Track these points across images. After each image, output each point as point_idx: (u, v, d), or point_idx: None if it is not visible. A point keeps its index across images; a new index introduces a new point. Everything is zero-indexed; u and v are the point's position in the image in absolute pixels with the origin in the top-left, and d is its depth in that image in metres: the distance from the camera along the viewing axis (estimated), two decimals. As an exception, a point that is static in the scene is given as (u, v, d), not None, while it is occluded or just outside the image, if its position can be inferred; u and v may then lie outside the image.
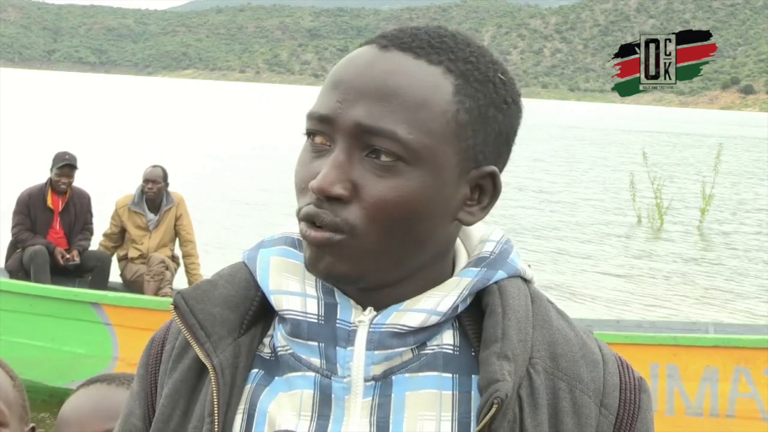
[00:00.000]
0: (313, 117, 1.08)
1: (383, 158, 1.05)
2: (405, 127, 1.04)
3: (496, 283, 1.12)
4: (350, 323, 1.09)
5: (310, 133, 1.09)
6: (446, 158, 1.07)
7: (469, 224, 1.12)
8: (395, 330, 1.08)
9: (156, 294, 8.15)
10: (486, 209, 1.12)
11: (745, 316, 11.31)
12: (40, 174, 8.99)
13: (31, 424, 1.85)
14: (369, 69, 1.07)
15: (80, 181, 8.80)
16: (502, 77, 1.11)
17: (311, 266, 1.09)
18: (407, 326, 1.08)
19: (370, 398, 1.08)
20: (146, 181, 8.62)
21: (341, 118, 1.06)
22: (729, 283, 13.55)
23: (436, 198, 1.07)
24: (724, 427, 6.06)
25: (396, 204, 1.05)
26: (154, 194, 8.60)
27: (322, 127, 1.08)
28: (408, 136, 1.04)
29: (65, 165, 8.45)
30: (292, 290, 1.11)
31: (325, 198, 1.05)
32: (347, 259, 1.06)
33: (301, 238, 1.14)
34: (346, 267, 1.07)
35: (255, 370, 1.12)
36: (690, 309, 11.53)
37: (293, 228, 1.17)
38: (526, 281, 1.15)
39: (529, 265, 1.17)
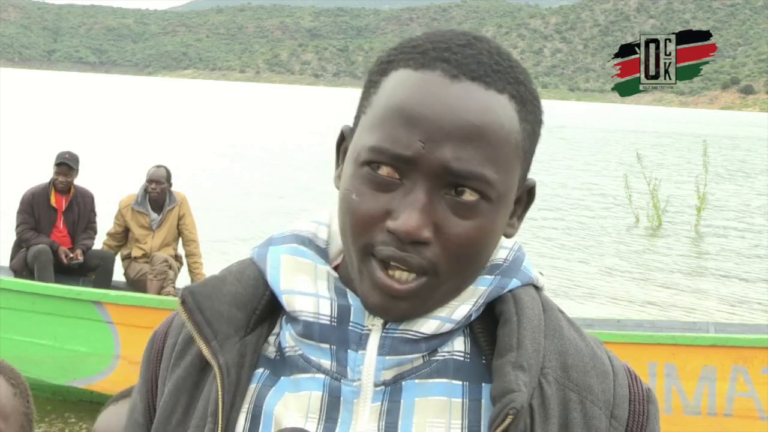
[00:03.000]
0: (386, 154, 1.02)
1: (467, 198, 1.02)
2: (492, 168, 1.02)
3: (510, 291, 1.11)
4: (363, 326, 1.08)
5: (372, 163, 1.03)
6: (514, 187, 1.07)
7: (511, 236, 1.12)
8: (408, 336, 1.06)
9: (159, 293, 8.16)
10: (521, 218, 1.13)
11: (745, 314, 11.32)
12: (42, 174, 9.02)
13: None
14: (449, 106, 1.01)
15: (83, 180, 8.84)
16: (535, 89, 1.10)
17: (378, 311, 1.05)
18: (421, 333, 1.06)
19: (379, 403, 1.06)
20: (150, 181, 8.65)
21: (425, 159, 1.00)
22: (728, 282, 13.56)
23: (503, 224, 1.08)
24: (721, 426, 6.07)
25: (478, 242, 1.04)
26: (158, 194, 8.63)
27: (396, 164, 1.02)
28: (494, 177, 1.02)
29: (62, 163, 8.54)
30: (304, 290, 1.10)
31: (410, 241, 1.01)
32: (424, 300, 1.04)
33: (310, 237, 1.15)
34: (419, 308, 1.05)
35: (260, 370, 1.11)
36: (690, 308, 11.55)
37: (302, 225, 1.16)
38: (538, 289, 1.14)
39: (542, 273, 1.17)
